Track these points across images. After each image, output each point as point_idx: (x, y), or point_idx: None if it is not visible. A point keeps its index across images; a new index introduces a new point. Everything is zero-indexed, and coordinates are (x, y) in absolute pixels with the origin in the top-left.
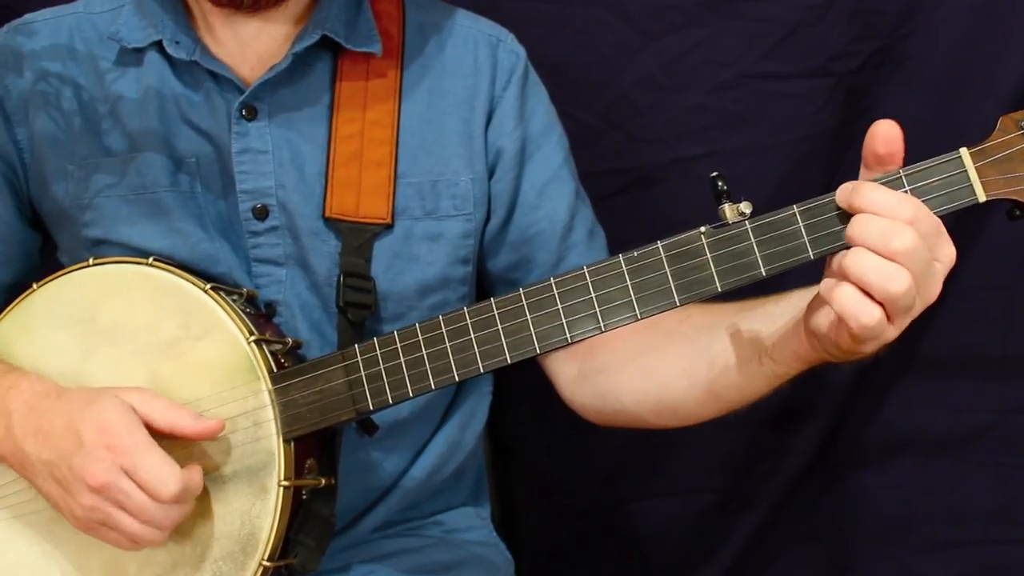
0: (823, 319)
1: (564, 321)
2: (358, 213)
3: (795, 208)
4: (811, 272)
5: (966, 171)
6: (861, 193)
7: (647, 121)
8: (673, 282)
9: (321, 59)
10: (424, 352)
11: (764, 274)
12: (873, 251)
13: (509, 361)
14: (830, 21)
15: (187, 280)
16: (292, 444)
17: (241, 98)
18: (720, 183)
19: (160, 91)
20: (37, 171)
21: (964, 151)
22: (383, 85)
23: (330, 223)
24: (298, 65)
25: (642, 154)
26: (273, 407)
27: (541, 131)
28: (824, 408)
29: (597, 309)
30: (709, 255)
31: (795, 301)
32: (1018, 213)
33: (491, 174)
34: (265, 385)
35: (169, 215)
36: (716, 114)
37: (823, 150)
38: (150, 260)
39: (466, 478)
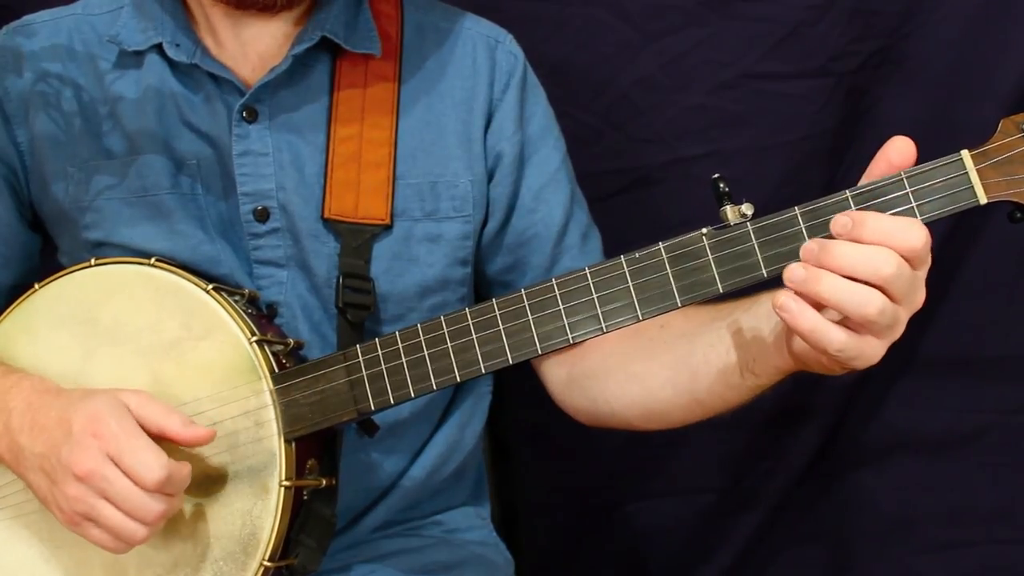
0: (802, 344)
1: (566, 322)
2: (357, 214)
3: (797, 210)
4: None
5: (967, 173)
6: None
7: (647, 121)
8: (675, 283)
9: (320, 60)
10: (426, 352)
11: (766, 275)
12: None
13: (511, 362)
14: (830, 21)
15: (189, 280)
16: (293, 444)
17: (242, 100)
18: (722, 185)
19: (160, 92)
20: (37, 173)
21: (965, 153)
22: (382, 86)
23: (329, 224)
24: (298, 67)
25: (642, 154)
26: (275, 407)
27: (539, 134)
28: (824, 408)
29: (599, 310)
30: (711, 256)
31: (764, 313)
32: (1019, 215)
33: (490, 177)
34: (267, 385)
35: (170, 217)
36: (716, 114)
37: (823, 150)
38: (152, 260)
39: (466, 478)
